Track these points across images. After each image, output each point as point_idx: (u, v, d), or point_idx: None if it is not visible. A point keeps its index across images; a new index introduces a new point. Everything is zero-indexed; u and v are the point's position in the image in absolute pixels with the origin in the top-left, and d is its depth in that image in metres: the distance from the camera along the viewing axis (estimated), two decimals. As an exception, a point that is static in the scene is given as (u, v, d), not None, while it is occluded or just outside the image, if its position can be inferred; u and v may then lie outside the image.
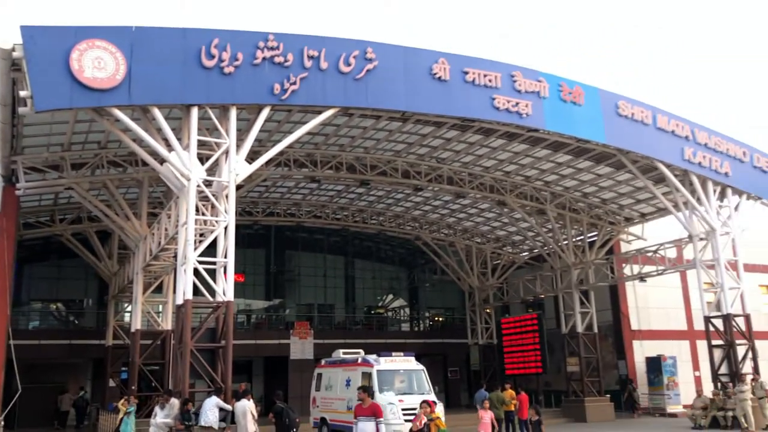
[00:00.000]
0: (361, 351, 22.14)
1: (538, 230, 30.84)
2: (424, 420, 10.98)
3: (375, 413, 11.54)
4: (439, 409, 17.02)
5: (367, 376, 19.66)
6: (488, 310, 37.24)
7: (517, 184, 27.51)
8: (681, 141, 22.89)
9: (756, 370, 23.09)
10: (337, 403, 19.52)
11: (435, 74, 18.10)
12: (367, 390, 12.35)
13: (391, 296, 42.56)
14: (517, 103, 19.19)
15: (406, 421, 18.06)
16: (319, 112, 17.56)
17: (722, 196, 24.55)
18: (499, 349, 35.41)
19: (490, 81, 18.83)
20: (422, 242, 35.79)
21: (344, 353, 22.38)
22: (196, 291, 15.65)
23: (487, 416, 15.95)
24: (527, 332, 33.43)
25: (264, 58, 16.27)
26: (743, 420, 21.29)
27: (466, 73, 18.55)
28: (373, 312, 41.37)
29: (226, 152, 16.39)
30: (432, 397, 18.12)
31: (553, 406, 31.33)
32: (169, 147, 16.06)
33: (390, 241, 39.83)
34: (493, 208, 30.92)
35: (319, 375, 22.71)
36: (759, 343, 25.37)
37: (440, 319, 43.07)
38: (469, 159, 25.42)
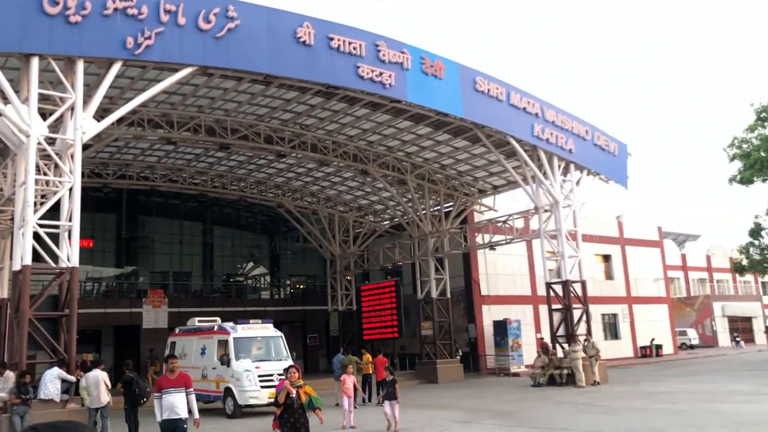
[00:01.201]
0: (217, 319, 21.78)
1: (398, 200, 31.62)
2: (294, 392, 9.36)
3: (186, 384, 9.97)
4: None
5: (224, 343, 19.44)
6: (349, 278, 37.87)
7: (379, 154, 27.95)
8: (531, 118, 24.24)
9: (589, 331, 25.30)
10: (191, 371, 18.93)
11: (299, 38, 17.81)
12: (177, 358, 10.83)
13: (251, 264, 41.98)
14: (381, 73, 19.38)
15: (263, 387, 18.12)
16: (176, 70, 16.75)
17: (566, 171, 26.36)
18: (359, 314, 36.20)
19: (354, 49, 18.84)
20: (285, 210, 35.52)
21: (200, 321, 21.93)
22: (37, 257, 14.62)
23: (349, 380, 16.26)
24: (385, 298, 34.43)
25: (116, 9, 15.20)
26: (576, 376, 23.33)
27: (331, 39, 18.43)
28: (232, 280, 40.64)
29: (72, 108, 15.25)
30: (290, 362, 18.20)
31: (408, 369, 32.57)
32: (5, 99, 14.69)
33: (251, 207, 39.15)
34: (356, 177, 31.26)
35: (173, 343, 22.11)
36: (592, 307, 27.84)
37: (301, 286, 43.20)
38: (333, 127, 25.43)
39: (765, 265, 32.74)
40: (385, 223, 37.30)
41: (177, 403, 9.77)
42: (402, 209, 32.89)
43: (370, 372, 21.59)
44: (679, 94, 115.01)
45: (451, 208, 31.99)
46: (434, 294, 30.90)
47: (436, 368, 29.46)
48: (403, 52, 20.07)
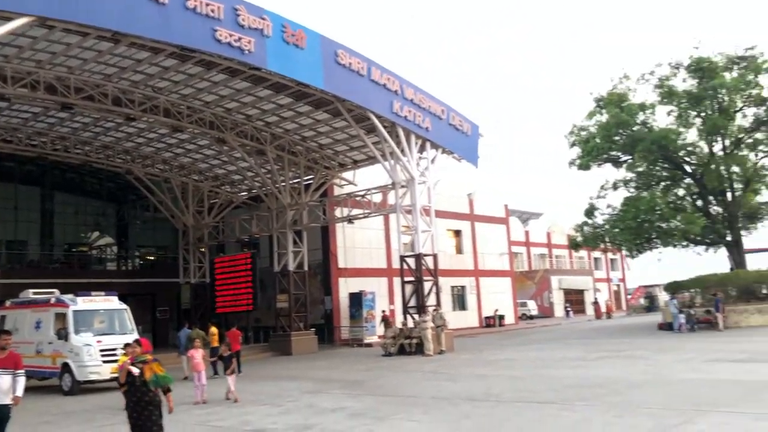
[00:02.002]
0: (56, 291, 20.50)
1: (257, 170, 31.02)
2: (135, 371, 8.35)
3: (16, 365, 8.70)
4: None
5: (62, 317, 18.32)
6: (202, 249, 36.77)
7: (237, 123, 27.20)
8: (391, 95, 24.62)
9: (438, 303, 26.42)
10: (24, 347, 17.69)
11: (152, -5, 16.80)
12: (11, 334, 9.44)
13: (96, 233, 39.54)
14: (240, 39, 18.79)
15: (105, 362, 17.32)
16: (9, 19, 15.24)
17: (422, 149, 27.13)
18: (212, 287, 35.35)
19: (212, 11, 18.10)
20: (134, 177, 33.63)
21: (34, 293, 20.52)
22: None
23: (198, 355, 15.87)
24: (240, 271, 33.85)
25: (-65, -57, 13.50)
26: (425, 346, 24.32)
27: (187, -1, 17.55)
28: (74, 250, 38.06)
29: None
30: (135, 336, 17.44)
31: (262, 342, 32.35)
32: None
33: (97, 173, 36.70)
34: (212, 145, 30.22)
35: (3, 317, 20.53)
36: (443, 280, 29.10)
37: (151, 257, 41.38)
38: (188, 92, 24.40)
39: (597, 241, 35.72)
40: (242, 194, 36.50)
41: (2, 387, 8.47)
42: (260, 180, 32.32)
43: (218, 345, 21.18)
44: (597, 78, 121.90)
45: (311, 181, 31.91)
46: (291, 267, 30.80)
47: (290, 340, 29.49)
48: (263, 19, 19.57)
